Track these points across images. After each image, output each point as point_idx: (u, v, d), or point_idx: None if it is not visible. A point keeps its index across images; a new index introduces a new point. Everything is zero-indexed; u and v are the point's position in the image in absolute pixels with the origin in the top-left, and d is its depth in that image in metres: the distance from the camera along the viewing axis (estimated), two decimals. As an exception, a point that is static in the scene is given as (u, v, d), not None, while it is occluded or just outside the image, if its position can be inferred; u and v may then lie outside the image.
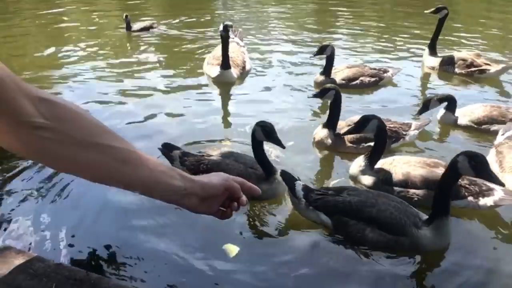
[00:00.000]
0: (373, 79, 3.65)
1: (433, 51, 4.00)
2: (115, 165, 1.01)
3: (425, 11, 4.19)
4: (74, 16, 6.72)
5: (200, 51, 4.68)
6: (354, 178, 2.44)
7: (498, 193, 2.13)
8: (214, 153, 2.38)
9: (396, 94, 3.60)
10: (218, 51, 3.84)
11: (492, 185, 2.14)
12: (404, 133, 2.70)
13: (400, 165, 2.30)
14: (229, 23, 3.65)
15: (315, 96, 2.91)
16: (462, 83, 3.78)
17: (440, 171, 2.18)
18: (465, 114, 2.98)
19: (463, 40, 5.18)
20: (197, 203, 1.14)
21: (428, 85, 3.87)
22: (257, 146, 2.19)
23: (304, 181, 2.24)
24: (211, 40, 5.06)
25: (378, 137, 2.31)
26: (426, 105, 3.00)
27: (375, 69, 3.75)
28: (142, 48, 4.82)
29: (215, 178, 1.17)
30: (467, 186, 2.18)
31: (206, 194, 1.14)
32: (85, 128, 0.97)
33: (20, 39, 5.36)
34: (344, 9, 7.31)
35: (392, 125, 2.70)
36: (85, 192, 2.29)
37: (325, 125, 2.75)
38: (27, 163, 2.47)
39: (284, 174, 2.09)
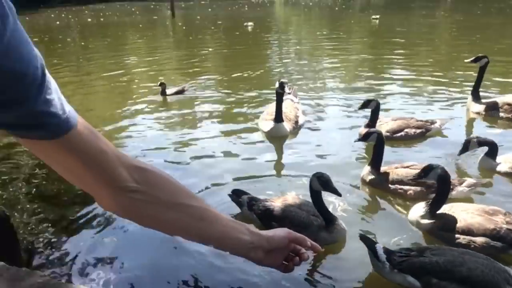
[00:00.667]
0: (419, 130, 3.75)
1: (476, 97, 4.15)
2: (193, 222, 1.14)
3: (465, 61, 4.38)
4: (138, 76, 7.44)
5: (253, 108, 4.97)
6: (414, 223, 2.50)
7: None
8: (279, 200, 2.56)
9: (444, 143, 3.67)
10: (272, 107, 4.06)
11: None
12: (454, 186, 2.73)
13: (458, 212, 2.36)
14: (285, 80, 3.91)
15: (359, 140, 3.14)
16: (508, 127, 3.89)
17: (499, 219, 2.27)
18: (506, 161, 3.04)
19: (506, 84, 5.28)
20: (262, 256, 1.25)
21: (474, 131, 3.96)
22: (315, 196, 2.37)
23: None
24: (265, 96, 5.39)
25: (441, 186, 2.41)
26: (466, 146, 3.09)
27: (421, 120, 3.80)
28: (196, 106, 5.22)
29: (279, 231, 1.29)
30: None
31: (271, 246, 1.25)
32: (169, 190, 1.12)
33: (91, 95, 6.14)
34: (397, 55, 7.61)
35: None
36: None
37: (369, 164, 2.98)
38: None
39: (364, 239, 2.09)
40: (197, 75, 6.97)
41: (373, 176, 2.93)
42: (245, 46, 10.46)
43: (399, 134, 3.74)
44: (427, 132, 3.78)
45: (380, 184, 2.89)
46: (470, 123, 4.15)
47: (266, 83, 6.12)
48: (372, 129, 3.08)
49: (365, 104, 3.78)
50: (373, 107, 3.72)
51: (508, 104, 3.96)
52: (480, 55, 4.20)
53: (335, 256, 2.30)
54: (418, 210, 2.49)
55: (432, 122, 3.81)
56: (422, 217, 2.45)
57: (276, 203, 2.53)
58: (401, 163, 2.99)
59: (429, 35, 11.43)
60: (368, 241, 2.11)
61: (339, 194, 2.34)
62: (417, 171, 2.57)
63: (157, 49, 10.63)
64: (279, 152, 3.78)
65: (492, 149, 3.09)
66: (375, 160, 2.96)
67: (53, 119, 0.90)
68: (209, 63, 8.60)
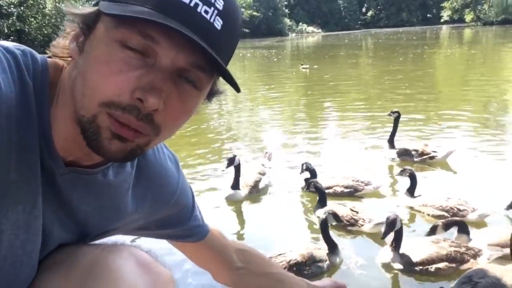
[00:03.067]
0: (346, 190, 3.96)
1: (391, 145, 4.98)
2: (275, 284, 1.47)
3: (386, 114, 5.33)
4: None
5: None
6: (385, 266, 2.84)
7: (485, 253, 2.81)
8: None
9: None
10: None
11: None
12: None
13: (414, 248, 2.84)
14: (236, 156, 3.98)
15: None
16: (419, 169, 4.56)
17: (444, 245, 2.77)
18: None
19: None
20: None
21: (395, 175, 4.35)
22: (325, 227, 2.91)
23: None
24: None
25: (399, 231, 2.84)
26: (433, 230, 3.01)
27: (354, 180, 4.02)
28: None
29: (327, 282, 1.63)
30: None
31: None
32: (260, 264, 1.48)
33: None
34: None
35: None
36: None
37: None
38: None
39: None
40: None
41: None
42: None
43: (328, 190, 3.91)
44: (355, 192, 3.96)
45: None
46: (390, 169, 4.76)
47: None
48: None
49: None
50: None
51: (415, 150, 4.80)
52: (394, 110, 5.11)
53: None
54: (386, 254, 2.87)
55: (367, 184, 4.01)
56: (392, 259, 2.82)
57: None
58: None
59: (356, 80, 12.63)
60: None
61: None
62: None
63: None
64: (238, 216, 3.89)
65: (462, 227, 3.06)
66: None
67: (199, 228, 1.27)
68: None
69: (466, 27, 54.57)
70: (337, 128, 6.98)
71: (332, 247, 2.94)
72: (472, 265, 2.74)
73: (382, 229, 2.96)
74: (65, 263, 0.91)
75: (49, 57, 0.86)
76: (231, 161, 3.97)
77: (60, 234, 0.92)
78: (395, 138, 5.07)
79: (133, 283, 0.92)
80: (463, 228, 2.98)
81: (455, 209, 3.43)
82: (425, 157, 4.77)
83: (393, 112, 5.07)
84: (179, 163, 1.16)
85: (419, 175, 4.22)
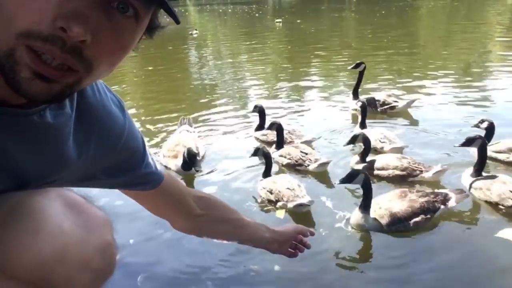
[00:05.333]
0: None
1: (355, 97, 4.97)
2: (236, 230, 1.52)
3: (348, 68, 5.32)
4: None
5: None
6: (356, 226, 2.68)
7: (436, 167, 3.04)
8: None
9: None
10: (170, 142, 3.86)
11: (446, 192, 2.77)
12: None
13: (383, 204, 2.70)
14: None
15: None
16: (379, 119, 4.69)
17: (413, 197, 2.67)
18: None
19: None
20: (276, 247, 1.62)
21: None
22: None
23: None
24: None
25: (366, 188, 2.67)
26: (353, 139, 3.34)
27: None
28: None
29: (289, 227, 1.69)
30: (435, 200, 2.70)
31: (283, 239, 1.63)
32: (221, 211, 1.50)
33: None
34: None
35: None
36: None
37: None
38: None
39: None
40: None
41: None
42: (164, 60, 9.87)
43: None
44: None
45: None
46: (354, 118, 4.74)
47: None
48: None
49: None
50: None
51: (377, 100, 4.82)
52: (358, 61, 5.10)
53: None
54: (357, 215, 2.69)
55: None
56: (362, 218, 2.66)
57: None
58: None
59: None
60: None
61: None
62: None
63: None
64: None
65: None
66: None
67: (152, 176, 1.22)
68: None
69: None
70: (316, 83, 6.91)
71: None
72: (443, 212, 2.72)
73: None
74: None
75: None
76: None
77: None
78: (359, 89, 5.11)
79: (58, 223, 0.83)
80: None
81: (409, 168, 3.22)
82: (386, 107, 4.80)
83: (358, 64, 5.08)
84: (125, 106, 1.09)
85: (378, 125, 4.37)
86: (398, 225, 2.65)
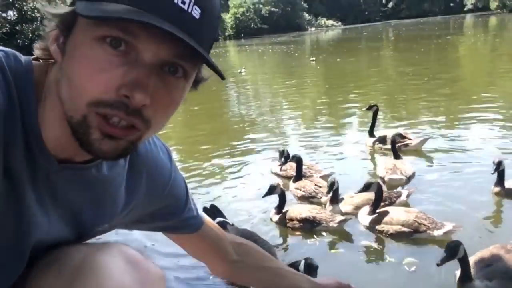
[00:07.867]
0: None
1: (371, 135, 5.17)
2: (273, 278, 1.49)
3: (363, 109, 5.61)
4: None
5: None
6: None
7: (448, 226, 2.80)
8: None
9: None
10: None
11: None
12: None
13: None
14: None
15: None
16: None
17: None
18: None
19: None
20: None
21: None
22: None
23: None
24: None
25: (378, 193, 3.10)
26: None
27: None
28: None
29: (330, 281, 1.60)
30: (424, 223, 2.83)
31: None
32: (258, 258, 1.50)
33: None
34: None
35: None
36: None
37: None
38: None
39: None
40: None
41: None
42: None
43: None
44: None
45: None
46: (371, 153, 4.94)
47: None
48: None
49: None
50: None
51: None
52: (371, 104, 5.30)
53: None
54: (364, 213, 3.14)
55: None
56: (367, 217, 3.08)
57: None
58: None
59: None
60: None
61: None
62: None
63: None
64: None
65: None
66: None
67: (193, 220, 1.28)
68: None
69: (491, 15, 52.62)
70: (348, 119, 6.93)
71: None
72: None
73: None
74: (57, 261, 0.93)
75: (35, 59, 0.87)
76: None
77: (56, 230, 0.94)
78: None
79: (120, 280, 0.93)
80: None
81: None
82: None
83: (371, 107, 5.28)
84: (171, 154, 1.17)
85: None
86: None
